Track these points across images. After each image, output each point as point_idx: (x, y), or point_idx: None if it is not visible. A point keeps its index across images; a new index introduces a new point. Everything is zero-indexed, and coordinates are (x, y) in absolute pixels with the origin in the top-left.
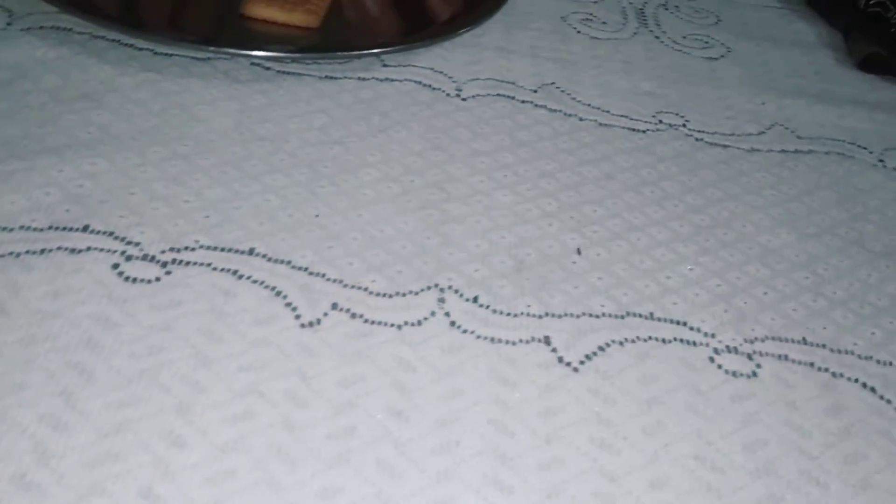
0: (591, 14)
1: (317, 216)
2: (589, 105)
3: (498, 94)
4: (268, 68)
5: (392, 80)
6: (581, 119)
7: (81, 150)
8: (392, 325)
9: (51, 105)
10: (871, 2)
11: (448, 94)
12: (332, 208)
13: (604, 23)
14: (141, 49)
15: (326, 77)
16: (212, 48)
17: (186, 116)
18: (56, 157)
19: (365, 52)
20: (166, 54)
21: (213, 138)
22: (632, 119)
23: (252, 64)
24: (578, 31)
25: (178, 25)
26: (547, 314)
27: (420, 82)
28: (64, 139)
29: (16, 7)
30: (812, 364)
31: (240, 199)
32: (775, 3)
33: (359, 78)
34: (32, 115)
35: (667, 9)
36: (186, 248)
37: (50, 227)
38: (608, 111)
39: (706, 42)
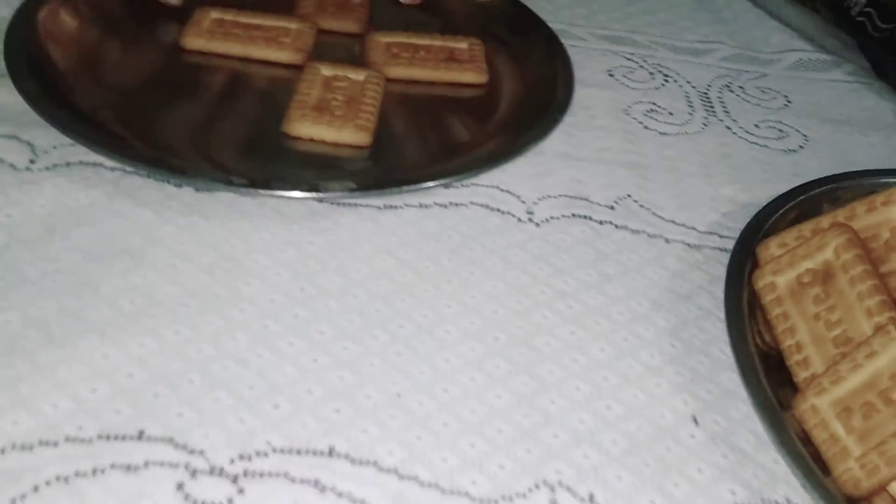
0: (654, 104)
1: (399, 395)
2: (673, 222)
3: (573, 215)
4: (321, 200)
5: (457, 206)
6: (668, 241)
7: (127, 327)
8: None
9: (86, 267)
10: None
11: (520, 219)
12: (414, 383)
13: (670, 113)
14: (180, 186)
15: (386, 207)
16: (262, 191)
17: (239, 271)
18: (99, 337)
19: (432, 183)
20: (208, 189)
21: (272, 298)
22: (721, 237)
23: None
24: (645, 127)
25: (215, 152)
26: None
27: (487, 206)
28: (106, 312)
29: (38, 140)
30: None
31: (310, 378)
32: (844, 77)
33: (420, 205)
34: (66, 282)
35: (731, 90)
36: (258, 453)
37: (100, 437)
38: (694, 228)
39: (781, 131)
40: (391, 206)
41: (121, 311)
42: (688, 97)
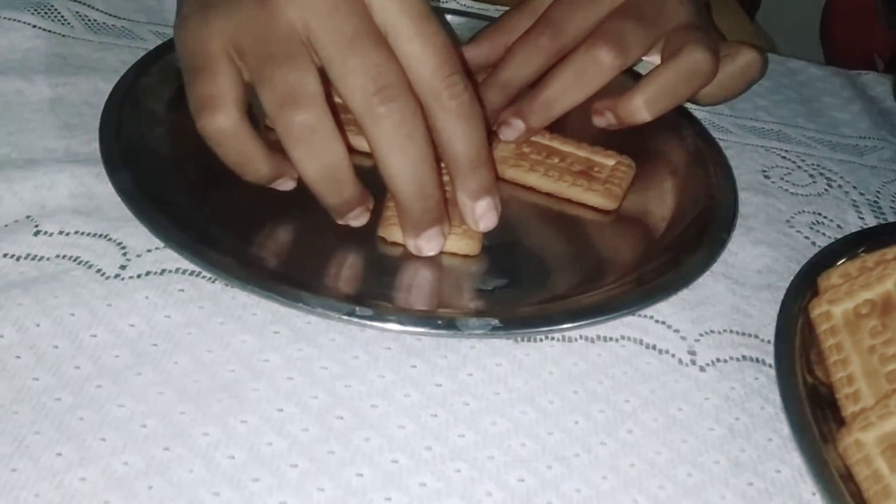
0: (819, 214)
1: None
2: None
3: (742, 357)
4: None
5: (606, 340)
6: None
7: (224, 491)
8: None
9: (180, 409)
10: None
11: (681, 361)
12: None
13: (839, 227)
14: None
15: (523, 339)
16: (394, 326)
17: (356, 420)
18: None
19: (582, 322)
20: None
21: (394, 458)
22: None
23: None
24: (813, 243)
25: (320, 266)
26: None
27: (641, 341)
28: (200, 470)
29: (131, 240)
30: None
31: None
32: None
33: (564, 338)
34: (156, 428)
35: None
36: None
37: None
38: None
39: None
40: (529, 339)
41: (217, 468)
42: (856, 206)
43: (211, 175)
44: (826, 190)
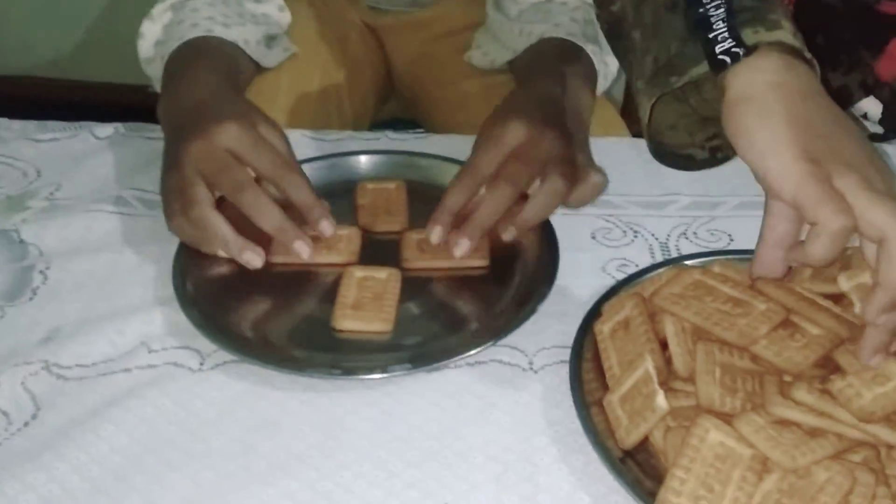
0: (625, 258)
1: None
2: None
3: (561, 361)
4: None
5: (481, 363)
6: None
7: None
8: None
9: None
10: None
11: (524, 369)
12: None
13: (636, 265)
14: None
15: (430, 371)
16: (354, 376)
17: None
18: None
19: (474, 350)
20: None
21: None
22: None
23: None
24: (615, 279)
25: (313, 347)
26: None
27: (501, 361)
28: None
29: (203, 346)
30: None
31: None
32: None
33: (455, 366)
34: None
35: (686, 237)
36: None
37: None
38: None
39: None
40: (436, 369)
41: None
42: (651, 250)
43: (247, 302)
44: (633, 240)
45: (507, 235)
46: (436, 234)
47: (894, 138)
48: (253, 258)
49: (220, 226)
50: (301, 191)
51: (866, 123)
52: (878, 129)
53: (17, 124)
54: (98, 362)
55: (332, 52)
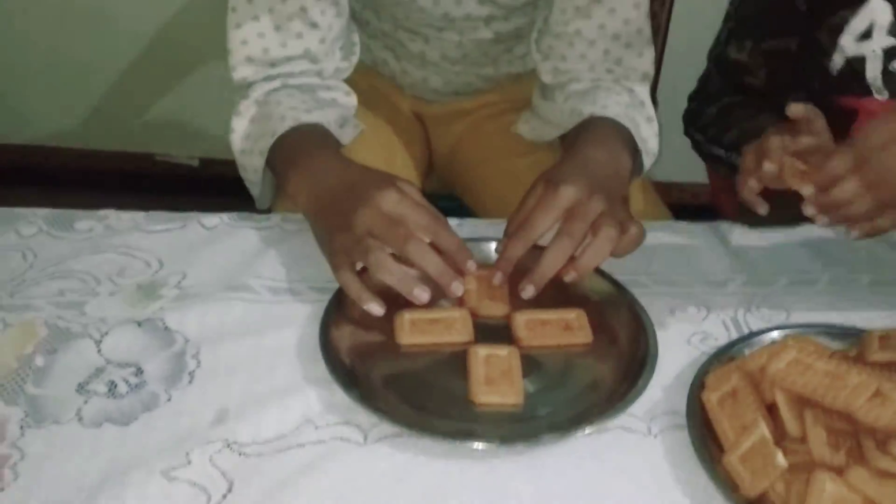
0: (704, 332)
1: None
2: None
3: (675, 426)
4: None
5: (605, 430)
6: None
7: None
8: None
9: None
10: None
11: (643, 434)
12: None
13: (715, 339)
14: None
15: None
16: (506, 445)
17: None
18: None
19: (590, 428)
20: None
21: None
22: None
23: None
24: (703, 353)
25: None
26: None
27: (624, 427)
28: None
29: (363, 421)
30: None
31: None
32: None
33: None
34: None
35: (750, 311)
36: None
37: None
38: None
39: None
40: (571, 435)
41: None
42: (725, 324)
43: (388, 380)
44: (706, 316)
45: (569, 278)
46: (498, 278)
47: None
48: (421, 294)
49: (391, 264)
50: (452, 240)
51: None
52: (889, 41)
53: (125, 216)
54: (272, 439)
55: (389, 138)
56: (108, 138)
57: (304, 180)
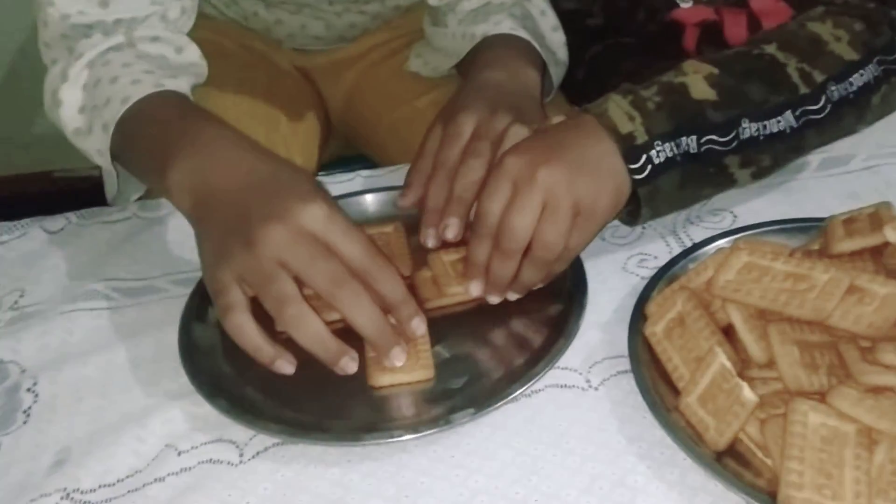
0: (642, 252)
1: None
2: None
3: (617, 372)
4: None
5: (537, 392)
6: None
7: None
8: None
9: None
10: None
11: (582, 388)
12: None
13: (655, 257)
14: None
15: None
16: (419, 434)
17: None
18: None
19: (522, 388)
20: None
21: None
22: None
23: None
24: (641, 278)
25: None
26: None
27: (558, 384)
28: None
29: (237, 436)
30: None
31: None
32: None
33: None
34: None
35: (692, 223)
36: None
37: None
38: None
39: None
40: (495, 409)
41: None
42: (663, 238)
43: (270, 380)
44: (641, 233)
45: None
46: (430, 236)
47: None
48: (348, 365)
49: (313, 322)
50: (395, 286)
51: None
52: None
53: None
54: (124, 478)
55: (271, 104)
56: None
57: (183, 170)
